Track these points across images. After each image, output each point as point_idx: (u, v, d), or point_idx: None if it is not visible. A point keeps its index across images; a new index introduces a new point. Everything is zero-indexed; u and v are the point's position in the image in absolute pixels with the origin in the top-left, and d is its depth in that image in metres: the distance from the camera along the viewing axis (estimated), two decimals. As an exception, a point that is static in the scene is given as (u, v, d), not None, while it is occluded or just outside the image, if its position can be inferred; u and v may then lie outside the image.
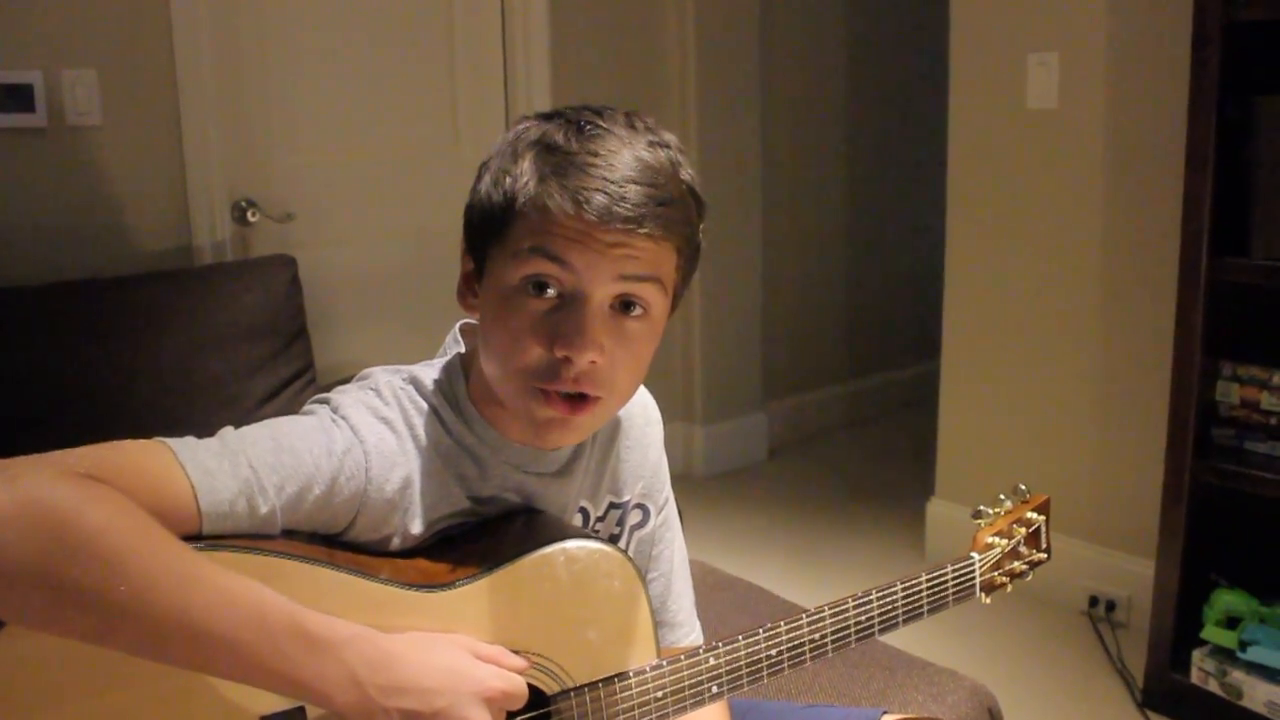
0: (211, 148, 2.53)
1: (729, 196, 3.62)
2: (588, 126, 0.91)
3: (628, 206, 0.87)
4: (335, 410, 0.94)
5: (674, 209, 0.91)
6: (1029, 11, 2.66)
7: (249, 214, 2.60)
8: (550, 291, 0.90)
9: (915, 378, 4.22)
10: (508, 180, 0.91)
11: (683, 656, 1.01)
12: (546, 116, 0.95)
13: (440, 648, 0.86)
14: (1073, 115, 2.60)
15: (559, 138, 0.91)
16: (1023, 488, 1.30)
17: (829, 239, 4.15)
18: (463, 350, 1.04)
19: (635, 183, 0.88)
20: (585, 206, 0.87)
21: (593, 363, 0.90)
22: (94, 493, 0.74)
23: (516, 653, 0.93)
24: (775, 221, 3.85)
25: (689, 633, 1.21)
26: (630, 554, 1.08)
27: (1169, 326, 2.16)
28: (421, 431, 0.96)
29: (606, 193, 0.87)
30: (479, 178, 0.96)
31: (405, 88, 2.90)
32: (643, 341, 0.95)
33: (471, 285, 0.99)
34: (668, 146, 0.94)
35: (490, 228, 0.93)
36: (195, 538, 0.81)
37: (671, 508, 1.20)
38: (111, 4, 2.36)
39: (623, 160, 0.89)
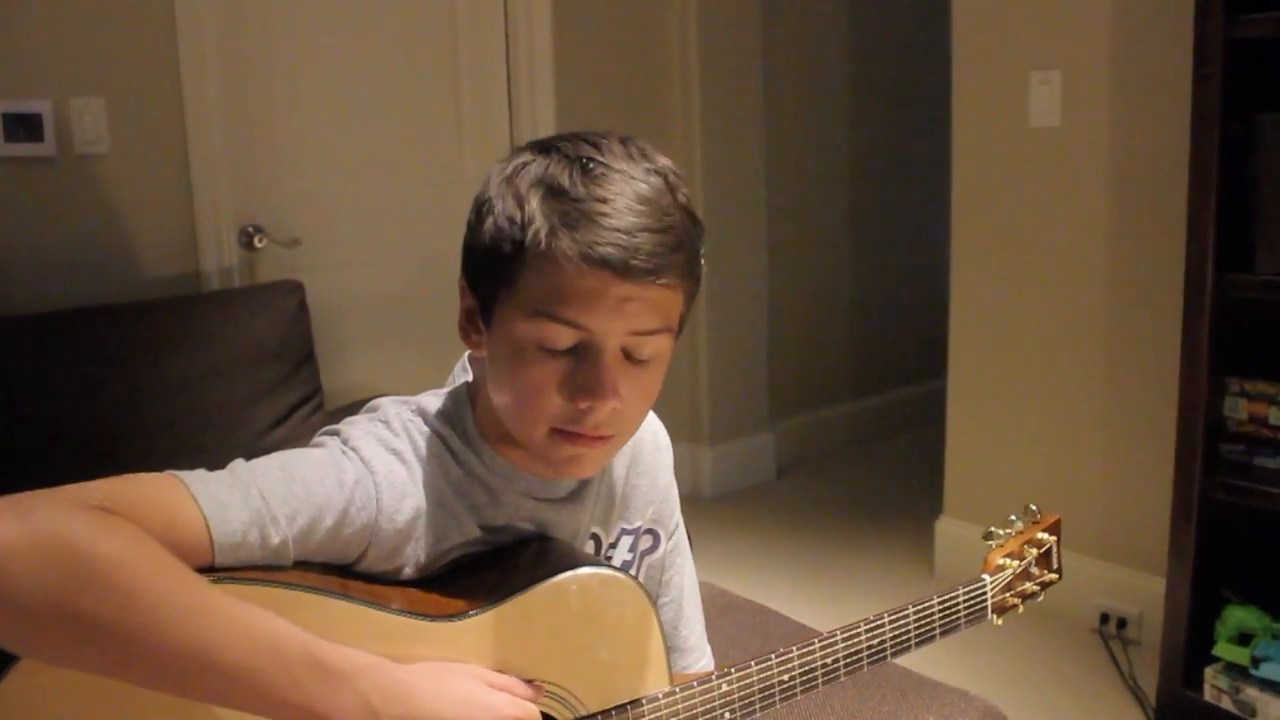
0: (218, 174, 2.55)
1: (733, 217, 3.63)
2: (591, 165, 0.90)
3: (642, 258, 0.87)
4: (345, 442, 0.95)
5: (685, 252, 0.91)
6: (1031, 30, 2.67)
7: (256, 240, 2.61)
8: (563, 345, 0.90)
9: (922, 395, 4.21)
10: (515, 227, 0.89)
11: (695, 682, 1.01)
12: (543, 149, 0.93)
13: (454, 677, 0.87)
14: (1075, 133, 2.61)
15: (564, 180, 0.89)
16: (1033, 508, 1.30)
17: (834, 257, 4.16)
18: (470, 379, 1.05)
19: (648, 230, 0.87)
20: (604, 265, 0.86)
21: (613, 409, 0.91)
22: (108, 525, 0.75)
23: (530, 681, 0.93)
24: (780, 241, 3.86)
25: (700, 658, 1.21)
26: (641, 580, 1.08)
27: (1175, 342, 2.15)
28: (431, 462, 0.97)
29: (620, 245, 0.86)
30: (479, 216, 0.94)
31: (410, 112, 2.91)
32: (654, 379, 0.95)
33: (475, 322, 0.98)
34: (664, 175, 0.92)
35: (497, 272, 0.92)
36: (209, 569, 0.82)
37: (681, 533, 1.21)
38: (119, 33, 2.38)
39: (631, 205, 0.88)
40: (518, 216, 0.89)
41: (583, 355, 0.90)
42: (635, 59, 3.43)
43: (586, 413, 0.91)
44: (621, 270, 0.86)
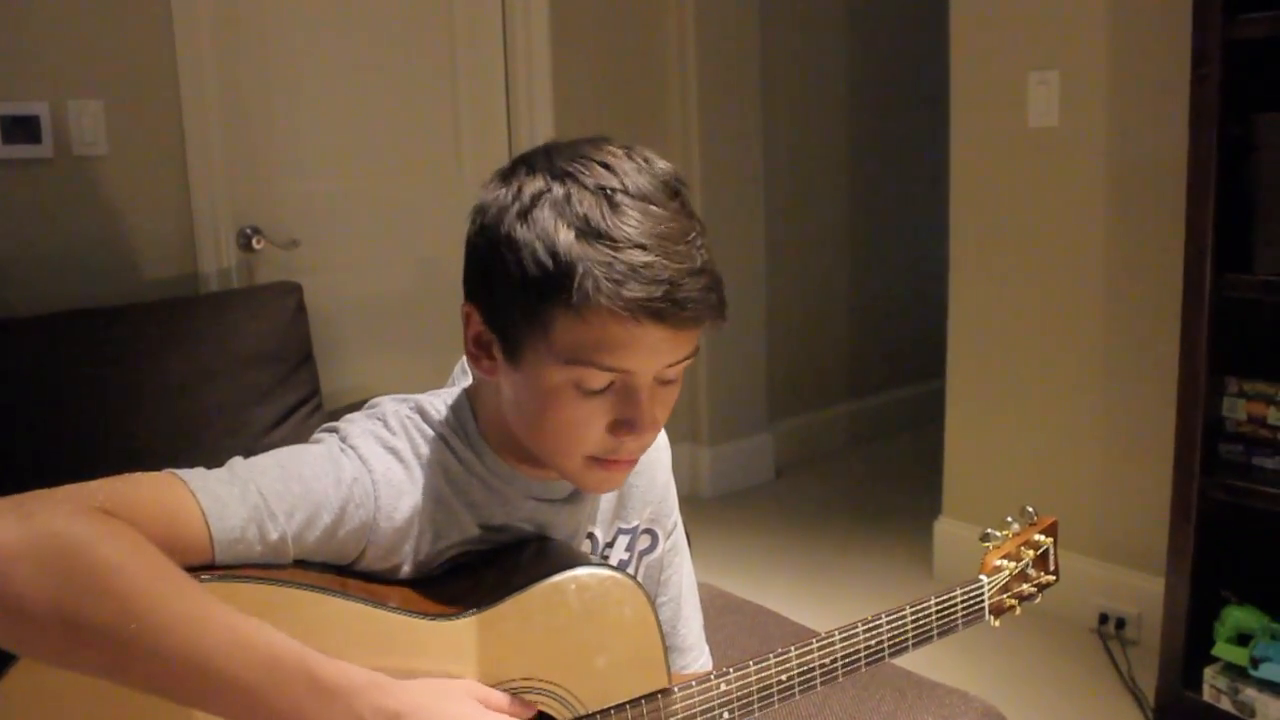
0: (216, 176, 2.55)
1: (732, 217, 3.63)
2: (615, 196, 0.87)
3: (690, 308, 0.87)
4: (344, 440, 0.95)
5: (719, 291, 0.91)
6: (1029, 30, 2.67)
7: (254, 241, 2.61)
8: (600, 386, 0.90)
9: (921, 396, 4.21)
10: (549, 275, 0.86)
11: (694, 682, 1.01)
12: (556, 174, 0.89)
13: (452, 697, 0.86)
14: (1074, 133, 2.61)
15: (596, 219, 0.86)
16: (1030, 510, 1.30)
17: (833, 258, 4.16)
18: (470, 381, 1.05)
19: (688, 274, 0.86)
20: (652, 319, 0.86)
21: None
22: (109, 528, 0.75)
23: (528, 681, 0.93)
24: (778, 241, 3.86)
25: (698, 657, 1.21)
26: (639, 579, 1.08)
27: (1174, 342, 2.15)
28: (430, 461, 0.97)
29: (667, 299, 0.85)
30: (497, 251, 0.89)
31: (408, 113, 2.91)
32: (676, 393, 0.97)
33: (486, 349, 0.95)
34: (675, 189, 0.91)
35: (527, 315, 0.89)
36: (209, 567, 0.82)
37: (680, 532, 1.21)
38: (117, 35, 2.38)
39: (666, 247, 0.86)
40: (551, 264, 0.85)
41: (620, 391, 0.91)
42: (633, 60, 3.43)
43: (625, 443, 0.93)
44: (670, 322, 0.87)
